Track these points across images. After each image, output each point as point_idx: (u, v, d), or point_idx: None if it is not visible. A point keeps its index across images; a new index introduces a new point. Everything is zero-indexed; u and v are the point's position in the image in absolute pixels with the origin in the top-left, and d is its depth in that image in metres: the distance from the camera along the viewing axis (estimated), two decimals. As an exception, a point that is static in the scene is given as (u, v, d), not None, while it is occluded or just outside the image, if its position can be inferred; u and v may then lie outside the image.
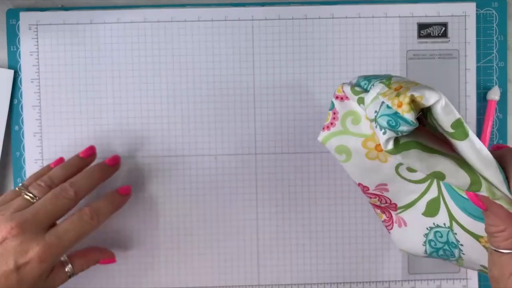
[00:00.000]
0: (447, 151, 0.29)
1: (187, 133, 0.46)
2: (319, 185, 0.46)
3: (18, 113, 0.46)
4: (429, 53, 0.46)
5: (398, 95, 0.28)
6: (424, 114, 0.29)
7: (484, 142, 0.45)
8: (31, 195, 0.39)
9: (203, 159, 0.46)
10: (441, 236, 0.36)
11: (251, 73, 0.46)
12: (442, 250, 0.36)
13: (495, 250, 0.30)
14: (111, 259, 0.44)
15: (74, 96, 0.46)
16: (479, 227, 0.33)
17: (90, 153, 0.43)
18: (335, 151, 0.34)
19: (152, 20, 0.46)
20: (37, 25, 0.46)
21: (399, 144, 0.28)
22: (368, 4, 0.46)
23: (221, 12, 0.46)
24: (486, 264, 0.34)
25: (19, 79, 0.46)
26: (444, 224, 0.35)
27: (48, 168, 0.42)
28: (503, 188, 0.28)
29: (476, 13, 0.46)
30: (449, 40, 0.46)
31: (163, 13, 0.46)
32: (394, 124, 0.27)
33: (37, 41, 0.46)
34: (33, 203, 0.39)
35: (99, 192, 0.44)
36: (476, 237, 0.34)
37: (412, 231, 0.37)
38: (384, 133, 0.28)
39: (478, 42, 0.46)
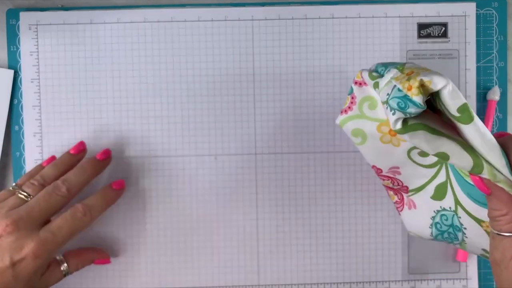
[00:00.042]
0: (452, 135, 0.31)
1: (187, 133, 0.46)
2: (319, 185, 0.46)
3: (18, 113, 0.46)
4: (429, 53, 0.46)
5: (409, 79, 0.30)
6: (434, 99, 0.31)
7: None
8: (25, 194, 0.40)
9: (203, 159, 0.46)
10: (447, 219, 0.37)
11: (251, 73, 0.46)
12: (447, 233, 0.38)
13: (497, 234, 0.31)
14: (105, 259, 0.45)
15: (74, 96, 0.46)
16: (481, 212, 0.34)
17: (81, 148, 0.44)
18: (351, 134, 0.36)
19: (152, 20, 0.46)
20: (37, 25, 0.46)
21: (408, 125, 0.30)
22: (368, 4, 0.46)
23: (221, 12, 0.46)
24: (487, 248, 0.35)
25: (19, 79, 0.46)
26: (450, 207, 0.36)
27: (40, 167, 0.43)
28: (505, 171, 0.30)
29: (476, 13, 0.46)
30: (449, 40, 0.46)
31: (163, 13, 0.46)
32: (403, 105, 0.30)
33: (37, 41, 0.46)
34: (27, 201, 0.40)
35: (94, 188, 0.44)
36: (478, 221, 0.35)
37: (421, 213, 0.39)
38: (394, 113, 0.30)
39: (478, 42, 0.46)
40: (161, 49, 0.46)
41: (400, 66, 0.33)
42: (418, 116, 0.30)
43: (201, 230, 0.46)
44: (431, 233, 0.39)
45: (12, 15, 0.46)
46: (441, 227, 0.38)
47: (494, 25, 0.46)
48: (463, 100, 0.29)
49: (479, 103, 0.46)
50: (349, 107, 0.36)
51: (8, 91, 0.45)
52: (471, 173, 0.31)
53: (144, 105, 0.46)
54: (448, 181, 0.36)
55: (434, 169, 0.37)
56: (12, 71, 0.45)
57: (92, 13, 0.46)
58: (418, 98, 0.29)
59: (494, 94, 0.45)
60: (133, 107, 0.46)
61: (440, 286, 0.47)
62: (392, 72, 0.32)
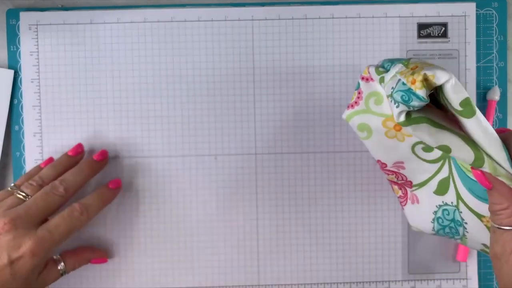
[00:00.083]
0: (454, 129, 0.32)
1: (187, 133, 0.46)
2: (319, 185, 0.46)
3: (18, 113, 0.46)
4: (429, 53, 0.46)
5: (413, 74, 0.31)
6: (437, 94, 0.32)
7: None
8: (23, 194, 0.40)
9: (203, 159, 0.46)
10: (448, 214, 0.38)
11: (251, 73, 0.46)
12: (448, 228, 0.38)
13: (497, 228, 0.32)
14: (102, 258, 0.45)
15: (74, 96, 0.46)
16: (482, 207, 0.35)
17: (79, 150, 0.45)
18: (357, 129, 0.37)
19: (152, 20, 0.46)
20: (37, 25, 0.46)
21: (411, 118, 0.31)
22: (368, 4, 0.46)
23: (221, 12, 0.46)
24: (487, 243, 0.36)
25: (19, 79, 0.46)
26: (452, 202, 0.37)
27: (38, 168, 0.44)
28: (506, 165, 0.30)
29: (476, 13, 0.46)
30: (449, 40, 0.46)
31: (163, 13, 0.46)
32: (407, 99, 0.30)
33: (37, 41, 0.46)
34: (25, 201, 0.40)
35: (92, 188, 0.44)
36: (479, 216, 0.35)
37: (423, 208, 0.39)
38: (398, 106, 0.31)
39: (478, 42, 0.46)
40: (161, 49, 0.46)
41: (405, 61, 0.33)
42: (421, 109, 0.31)
43: (201, 230, 0.46)
44: (433, 227, 0.39)
45: (12, 15, 0.46)
46: (442, 221, 0.38)
47: (494, 25, 0.46)
48: (466, 94, 0.30)
49: (479, 103, 0.46)
50: (356, 102, 0.36)
51: (8, 91, 0.45)
52: (473, 166, 0.31)
53: (144, 105, 0.46)
54: (451, 176, 0.37)
55: (438, 164, 0.37)
56: (12, 71, 0.45)
57: (92, 13, 0.46)
58: (422, 92, 0.30)
59: (494, 94, 0.45)
60: (133, 107, 0.46)
61: (440, 286, 0.47)
62: (397, 67, 0.33)
